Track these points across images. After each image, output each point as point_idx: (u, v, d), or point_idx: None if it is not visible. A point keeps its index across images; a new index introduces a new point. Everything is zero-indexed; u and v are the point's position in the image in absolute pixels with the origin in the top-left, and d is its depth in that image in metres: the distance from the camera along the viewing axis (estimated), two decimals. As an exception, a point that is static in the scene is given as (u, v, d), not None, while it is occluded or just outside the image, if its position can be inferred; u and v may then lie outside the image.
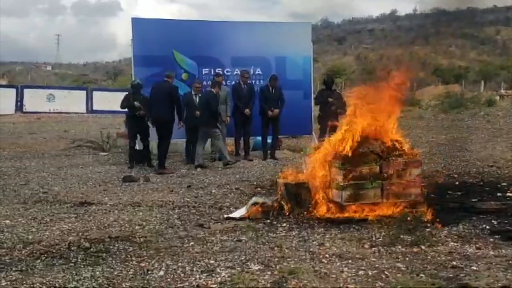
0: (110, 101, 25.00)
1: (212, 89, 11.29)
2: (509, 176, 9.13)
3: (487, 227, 5.85)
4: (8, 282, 4.39)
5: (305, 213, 6.51)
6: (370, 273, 4.46)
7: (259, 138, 12.70)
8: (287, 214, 6.53)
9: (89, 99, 31.94)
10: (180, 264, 4.76)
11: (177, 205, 7.35)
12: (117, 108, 12.08)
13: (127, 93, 11.63)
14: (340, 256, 4.93)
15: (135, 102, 10.92)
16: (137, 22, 12.76)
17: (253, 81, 12.70)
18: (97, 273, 4.57)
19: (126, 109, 11.33)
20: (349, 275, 4.42)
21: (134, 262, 4.86)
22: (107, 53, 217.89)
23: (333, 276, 4.40)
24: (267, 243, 5.40)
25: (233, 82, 12.78)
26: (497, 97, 32.07)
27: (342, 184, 6.41)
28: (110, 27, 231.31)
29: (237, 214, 6.61)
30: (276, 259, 4.85)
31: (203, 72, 12.88)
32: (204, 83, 12.50)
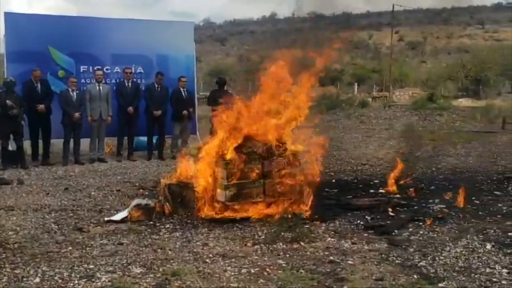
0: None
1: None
2: (381, 174, 9.67)
3: (362, 222, 6.19)
4: None
5: (189, 213, 6.51)
6: (252, 270, 4.55)
7: (142, 138, 12.49)
8: (170, 215, 6.49)
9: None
10: (57, 270, 4.58)
11: (53, 209, 7.04)
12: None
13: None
14: (224, 255, 4.98)
15: (7, 101, 10.31)
16: (9, 17, 12.10)
17: (135, 80, 12.46)
18: (-34, 283, 4.28)
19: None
20: (232, 273, 4.48)
21: (7, 269, 4.60)
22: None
23: (216, 275, 4.43)
24: (149, 246, 5.33)
25: (113, 80, 12.50)
26: (370, 99, 33.80)
27: (225, 183, 6.47)
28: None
29: (118, 216, 6.44)
30: (159, 261, 4.81)
31: (81, 70, 12.45)
32: (82, 81, 12.12)
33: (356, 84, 44.19)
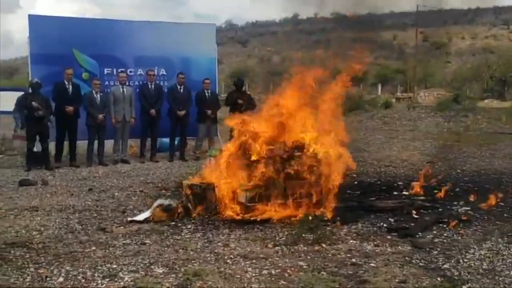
0: (8, 100, 23.78)
1: None
2: (405, 176, 9.60)
3: (385, 225, 6.13)
4: None
5: (211, 214, 6.52)
6: (273, 272, 4.54)
7: (165, 139, 12.58)
8: (192, 216, 6.51)
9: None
10: (80, 269, 4.61)
11: (77, 209, 7.11)
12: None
13: (23, 93, 11.14)
14: (245, 256, 4.98)
15: (33, 102, 10.47)
16: (34, 20, 12.26)
17: (158, 82, 12.55)
18: (-9, 281, 4.33)
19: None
20: (253, 275, 4.47)
21: (31, 269, 4.65)
22: (2, 51, 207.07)
23: (238, 276, 4.43)
24: (171, 246, 5.36)
25: (136, 83, 12.61)
26: (394, 100, 33.59)
27: (246, 185, 6.47)
28: (6, 24, 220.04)
29: (141, 217, 6.49)
30: (181, 261, 4.82)
31: (105, 72, 12.58)
32: (106, 83, 12.26)
33: (379, 84, 43.93)
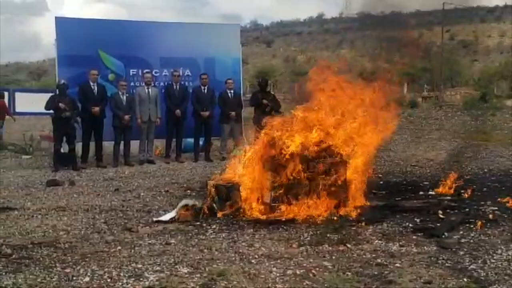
0: (34, 102, 24.14)
1: None
2: (431, 175, 9.50)
3: (410, 225, 6.06)
4: None
5: (235, 214, 6.53)
6: (298, 272, 4.52)
7: (190, 140, 12.65)
8: (217, 216, 6.53)
9: (11, 101, 30.63)
10: (106, 269, 4.65)
11: (104, 209, 7.18)
12: (42, 109, 11.73)
13: (52, 94, 11.30)
14: (269, 256, 4.97)
15: (60, 104, 10.62)
16: (61, 22, 12.45)
17: (182, 83, 12.62)
18: (20, 280, 4.40)
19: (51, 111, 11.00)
20: (278, 275, 4.46)
21: (58, 269, 4.70)
22: (31, 53, 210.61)
23: (262, 276, 4.43)
24: (196, 246, 5.37)
25: (162, 83, 12.70)
26: (420, 99, 33.24)
27: (271, 185, 6.47)
28: (35, 27, 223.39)
29: (166, 217, 6.53)
30: (206, 261, 4.84)
31: (131, 73, 12.70)
32: (132, 84, 12.37)
33: (405, 83, 43.51)
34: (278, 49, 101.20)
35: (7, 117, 17.80)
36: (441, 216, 6.41)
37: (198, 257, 4.96)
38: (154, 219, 6.54)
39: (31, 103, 19.12)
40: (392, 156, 12.04)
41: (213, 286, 4.22)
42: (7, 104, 17.67)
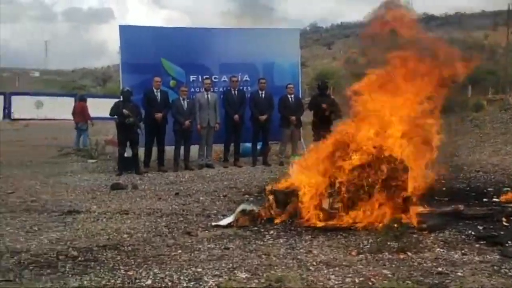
0: (99, 107, 24.90)
1: None
2: (496, 181, 9.20)
3: (473, 232, 5.90)
4: (-6, 293, 4.37)
5: (293, 220, 6.53)
6: (357, 280, 4.48)
7: (247, 144, 12.74)
8: (275, 221, 6.54)
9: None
10: (167, 272, 4.75)
11: (165, 213, 7.34)
12: (107, 115, 12.12)
13: (117, 100, 11.65)
14: (327, 263, 4.95)
15: (124, 110, 10.93)
16: (124, 30, 12.80)
17: (241, 88, 12.73)
18: (85, 282, 4.55)
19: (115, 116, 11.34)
20: (336, 282, 4.43)
21: (122, 271, 4.84)
22: (97, 59, 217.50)
23: (320, 283, 4.41)
24: (254, 251, 5.41)
25: (221, 89, 12.85)
26: (485, 102, 32.21)
27: (330, 191, 6.44)
28: (101, 34, 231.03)
29: (224, 221, 6.60)
30: (264, 267, 4.86)
31: (191, 79, 12.93)
32: (192, 89, 12.57)
33: (470, 86, 42.30)
34: (338, 51, 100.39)
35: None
36: (505, 223, 6.21)
37: (256, 263, 4.99)
38: (213, 223, 6.62)
39: (96, 108, 19.76)
40: (455, 161, 11.73)
41: (271, 292, 4.24)
42: (88, 108, 18.10)
